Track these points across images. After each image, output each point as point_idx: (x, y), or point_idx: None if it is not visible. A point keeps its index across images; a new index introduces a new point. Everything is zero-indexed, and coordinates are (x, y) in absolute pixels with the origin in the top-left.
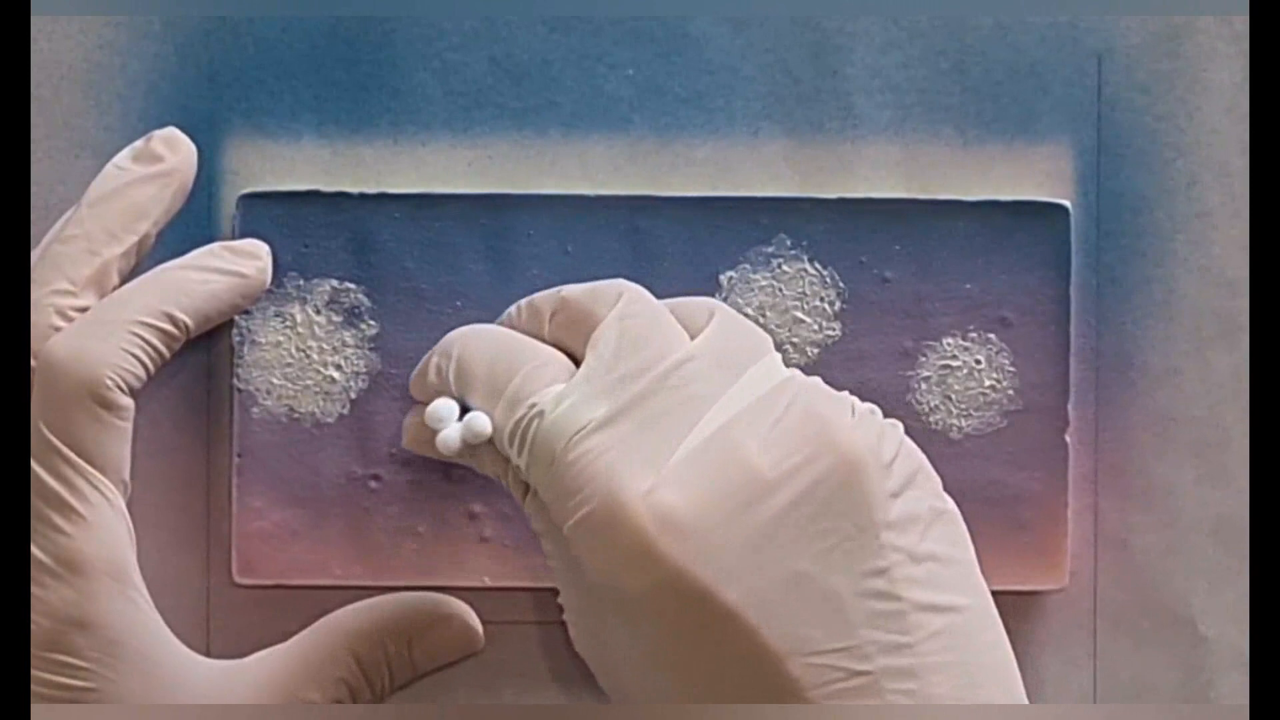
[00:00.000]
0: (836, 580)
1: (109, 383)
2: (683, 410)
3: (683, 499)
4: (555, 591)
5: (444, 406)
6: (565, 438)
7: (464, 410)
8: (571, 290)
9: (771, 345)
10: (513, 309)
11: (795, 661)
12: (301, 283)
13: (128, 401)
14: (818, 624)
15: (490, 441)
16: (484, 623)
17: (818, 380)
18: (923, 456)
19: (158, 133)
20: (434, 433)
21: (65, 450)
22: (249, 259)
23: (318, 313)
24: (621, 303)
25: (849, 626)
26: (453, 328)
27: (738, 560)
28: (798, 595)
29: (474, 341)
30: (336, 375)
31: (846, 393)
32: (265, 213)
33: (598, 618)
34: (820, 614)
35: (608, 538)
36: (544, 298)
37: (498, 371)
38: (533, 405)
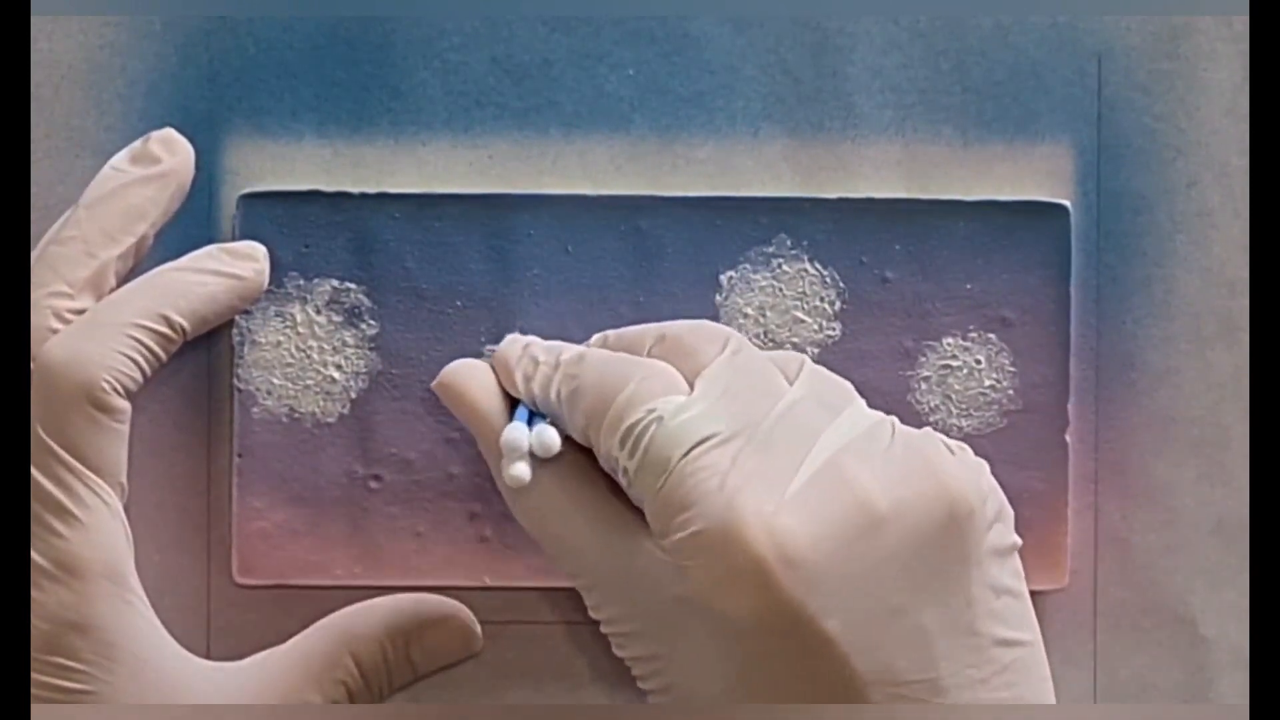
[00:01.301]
0: (928, 614)
1: (105, 386)
2: (797, 441)
3: (801, 527)
4: (560, 591)
5: (517, 433)
6: (684, 447)
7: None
8: (675, 327)
9: (855, 392)
10: (595, 338)
11: (879, 691)
12: (302, 282)
13: (124, 404)
14: (905, 655)
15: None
16: (484, 623)
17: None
18: (1002, 493)
19: (155, 134)
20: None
21: (62, 453)
22: (246, 261)
23: (318, 312)
24: (733, 343)
25: (933, 660)
26: (453, 327)
27: (843, 590)
28: (892, 627)
29: (590, 354)
30: (337, 375)
31: (930, 429)
32: (265, 212)
33: (676, 629)
34: (910, 646)
35: (722, 557)
36: (638, 331)
37: (609, 377)
38: (651, 410)
